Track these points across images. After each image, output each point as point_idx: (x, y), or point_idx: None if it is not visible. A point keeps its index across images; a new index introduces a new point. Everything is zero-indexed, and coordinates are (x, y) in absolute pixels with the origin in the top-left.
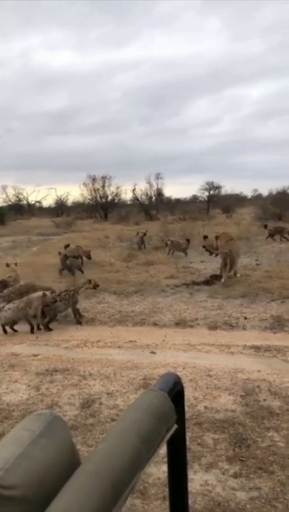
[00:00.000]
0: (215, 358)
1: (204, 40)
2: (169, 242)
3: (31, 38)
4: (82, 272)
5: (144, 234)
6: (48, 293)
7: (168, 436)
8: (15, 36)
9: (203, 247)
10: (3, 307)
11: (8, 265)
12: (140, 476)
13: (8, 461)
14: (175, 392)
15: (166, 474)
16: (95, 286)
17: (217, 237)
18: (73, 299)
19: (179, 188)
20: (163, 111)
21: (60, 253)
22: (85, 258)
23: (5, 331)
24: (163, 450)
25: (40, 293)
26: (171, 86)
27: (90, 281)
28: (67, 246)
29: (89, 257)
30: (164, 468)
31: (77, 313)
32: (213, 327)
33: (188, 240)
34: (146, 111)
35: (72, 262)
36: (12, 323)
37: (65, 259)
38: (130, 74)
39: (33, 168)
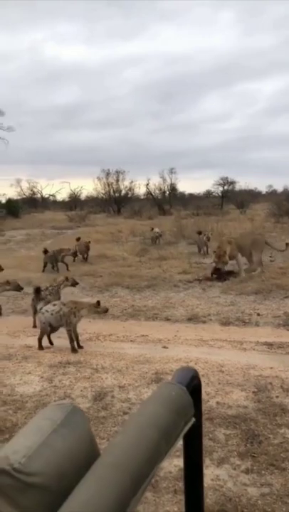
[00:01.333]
0: (227, 354)
1: (214, 34)
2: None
3: (39, 32)
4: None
5: (160, 235)
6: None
7: (186, 429)
8: (22, 30)
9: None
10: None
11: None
12: (158, 469)
13: (30, 448)
14: (193, 385)
15: (177, 468)
16: (74, 284)
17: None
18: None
19: (191, 184)
20: (173, 106)
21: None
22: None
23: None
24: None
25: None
26: (181, 80)
27: (67, 279)
28: (78, 239)
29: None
30: (176, 462)
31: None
32: (225, 323)
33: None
34: (157, 106)
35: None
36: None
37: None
38: (139, 68)
39: (44, 162)
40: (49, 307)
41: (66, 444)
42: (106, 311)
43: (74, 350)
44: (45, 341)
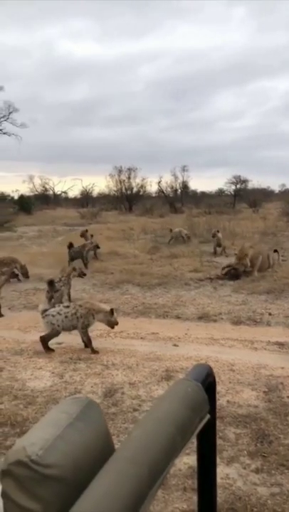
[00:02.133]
0: (238, 353)
1: (227, 31)
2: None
3: (52, 28)
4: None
5: (188, 236)
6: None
7: (201, 425)
8: (35, 26)
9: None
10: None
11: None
12: (174, 464)
13: (47, 441)
14: (208, 382)
15: (187, 466)
16: (81, 275)
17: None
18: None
19: (204, 182)
20: (186, 103)
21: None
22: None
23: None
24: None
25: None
26: (194, 78)
27: (74, 269)
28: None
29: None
30: (186, 459)
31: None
32: (236, 322)
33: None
34: (169, 103)
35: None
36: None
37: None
38: (152, 65)
39: (56, 159)
40: (60, 309)
41: (82, 437)
42: (115, 324)
43: (93, 350)
44: (55, 339)
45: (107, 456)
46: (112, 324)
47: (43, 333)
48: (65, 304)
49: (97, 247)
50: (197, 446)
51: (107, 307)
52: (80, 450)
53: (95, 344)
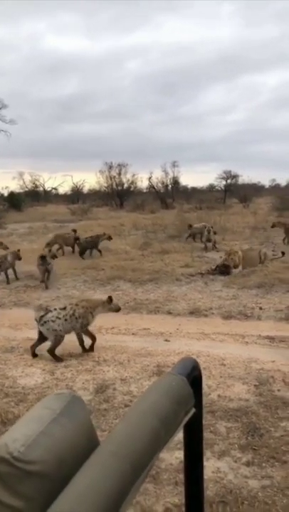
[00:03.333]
0: (229, 348)
1: (215, 24)
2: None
3: (38, 22)
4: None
5: (215, 233)
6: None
7: (186, 419)
8: (21, 20)
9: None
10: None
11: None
12: (158, 458)
13: (29, 437)
14: (193, 376)
15: (178, 460)
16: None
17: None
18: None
19: (195, 177)
20: (175, 98)
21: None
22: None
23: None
24: (175, 436)
25: None
26: (183, 72)
27: (50, 251)
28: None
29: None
30: (177, 454)
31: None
32: (227, 317)
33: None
34: (159, 98)
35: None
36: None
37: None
38: (140, 59)
39: (46, 155)
40: (58, 313)
41: (66, 432)
42: (118, 309)
43: (85, 350)
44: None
45: (92, 451)
46: (115, 310)
47: (34, 330)
48: (61, 305)
49: (110, 238)
50: (184, 440)
51: (103, 297)
52: (64, 446)
53: (85, 340)
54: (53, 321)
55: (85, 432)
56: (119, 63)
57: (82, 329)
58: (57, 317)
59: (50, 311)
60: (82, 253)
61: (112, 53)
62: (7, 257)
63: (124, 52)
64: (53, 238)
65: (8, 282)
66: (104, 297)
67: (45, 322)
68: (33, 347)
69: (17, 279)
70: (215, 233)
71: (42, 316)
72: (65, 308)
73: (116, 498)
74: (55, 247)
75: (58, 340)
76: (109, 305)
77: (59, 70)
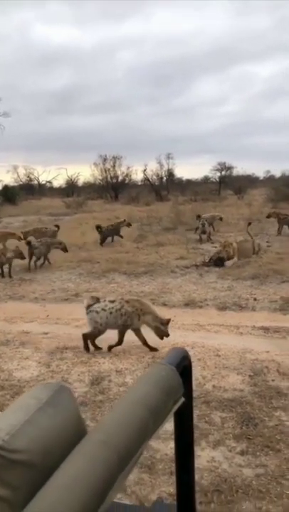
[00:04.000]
0: (224, 339)
1: (207, 14)
2: None
3: (26, 12)
4: None
5: (220, 217)
6: None
7: (175, 408)
8: (8, 10)
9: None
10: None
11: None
12: (146, 446)
13: (14, 426)
14: (183, 366)
15: (173, 450)
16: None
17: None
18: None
19: (189, 169)
20: (168, 90)
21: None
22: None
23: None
24: (171, 427)
25: None
26: (176, 64)
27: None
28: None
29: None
30: (172, 444)
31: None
32: (222, 308)
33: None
34: (151, 90)
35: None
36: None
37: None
38: (132, 51)
39: (39, 148)
40: (105, 304)
41: (52, 422)
42: (165, 335)
43: (151, 348)
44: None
45: (79, 441)
46: (160, 334)
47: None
48: (112, 298)
49: (129, 224)
50: (174, 429)
51: (158, 312)
52: (50, 435)
53: (81, 333)
54: (97, 312)
55: (72, 422)
56: (112, 54)
57: (124, 328)
58: (102, 309)
59: (99, 301)
60: (103, 241)
61: (103, 44)
62: (6, 254)
63: (116, 43)
64: (30, 230)
65: (3, 276)
66: (163, 314)
67: (90, 311)
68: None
69: (10, 277)
70: (221, 219)
71: (90, 305)
72: (113, 302)
73: (102, 486)
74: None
75: (96, 333)
76: (161, 324)
77: (50, 62)
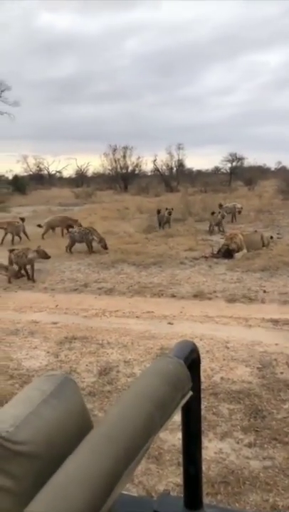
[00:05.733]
0: (232, 331)
1: (214, 1)
2: None
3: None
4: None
5: (239, 212)
6: None
7: (182, 402)
8: None
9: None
10: None
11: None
12: (153, 441)
13: (18, 418)
14: (191, 359)
15: (180, 442)
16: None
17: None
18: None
19: (198, 160)
20: (175, 79)
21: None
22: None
23: None
24: (179, 418)
25: None
26: (182, 52)
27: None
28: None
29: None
30: (179, 435)
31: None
32: (231, 300)
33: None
34: (158, 78)
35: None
36: None
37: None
38: (139, 38)
39: (47, 137)
40: None
41: (56, 413)
42: None
43: None
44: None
45: (84, 433)
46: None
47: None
48: None
49: (170, 213)
50: (182, 422)
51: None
52: (54, 426)
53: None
54: None
55: (77, 414)
56: (117, 42)
57: None
58: None
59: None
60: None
61: (109, 32)
62: (28, 254)
63: (123, 31)
64: (5, 225)
65: (28, 278)
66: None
67: None
68: None
69: (33, 280)
70: (240, 212)
71: None
72: None
73: (109, 480)
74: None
75: None
76: None
77: (55, 50)
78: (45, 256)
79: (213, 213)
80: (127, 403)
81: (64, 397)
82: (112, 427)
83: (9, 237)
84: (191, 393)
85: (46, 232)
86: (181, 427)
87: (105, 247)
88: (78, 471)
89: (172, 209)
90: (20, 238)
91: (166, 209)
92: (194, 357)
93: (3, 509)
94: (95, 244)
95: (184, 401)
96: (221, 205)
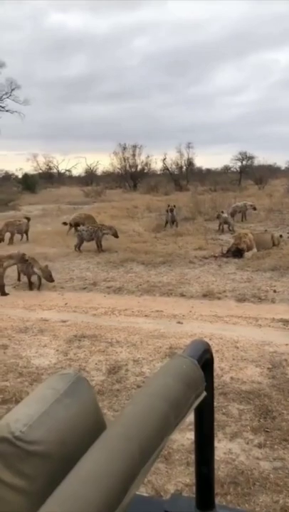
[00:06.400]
0: (242, 330)
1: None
2: None
3: None
4: None
5: (254, 208)
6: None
7: (196, 403)
8: None
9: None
10: None
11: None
12: (168, 441)
13: (31, 417)
14: (204, 359)
15: (190, 441)
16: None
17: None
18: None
19: (208, 159)
20: (185, 78)
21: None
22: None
23: None
24: (188, 418)
25: None
26: (192, 51)
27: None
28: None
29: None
30: (188, 435)
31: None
32: (241, 299)
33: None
34: (168, 78)
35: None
36: None
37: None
38: (147, 37)
39: (56, 136)
40: None
41: (69, 413)
42: None
43: None
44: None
45: (97, 432)
46: None
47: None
48: None
49: (172, 210)
50: (194, 423)
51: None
52: (67, 426)
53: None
54: None
55: (90, 413)
56: (127, 41)
57: None
58: None
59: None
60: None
61: (118, 31)
62: (33, 267)
63: (132, 30)
64: (3, 226)
65: (38, 288)
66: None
67: None
68: None
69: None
70: (255, 209)
71: None
72: None
73: (124, 480)
74: (7, 235)
75: None
76: None
77: (65, 49)
78: (51, 279)
79: (218, 216)
80: (142, 403)
81: (77, 397)
82: (128, 427)
83: (17, 236)
84: (204, 393)
85: (70, 229)
86: (190, 427)
87: (116, 236)
88: (93, 470)
89: (174, 206)
90: (22, 237)
91: (168, 205)
92: (208, 357)
93: (17, 509)
94: (104, 240)
95: (197, 401)
96: (219, 214)
